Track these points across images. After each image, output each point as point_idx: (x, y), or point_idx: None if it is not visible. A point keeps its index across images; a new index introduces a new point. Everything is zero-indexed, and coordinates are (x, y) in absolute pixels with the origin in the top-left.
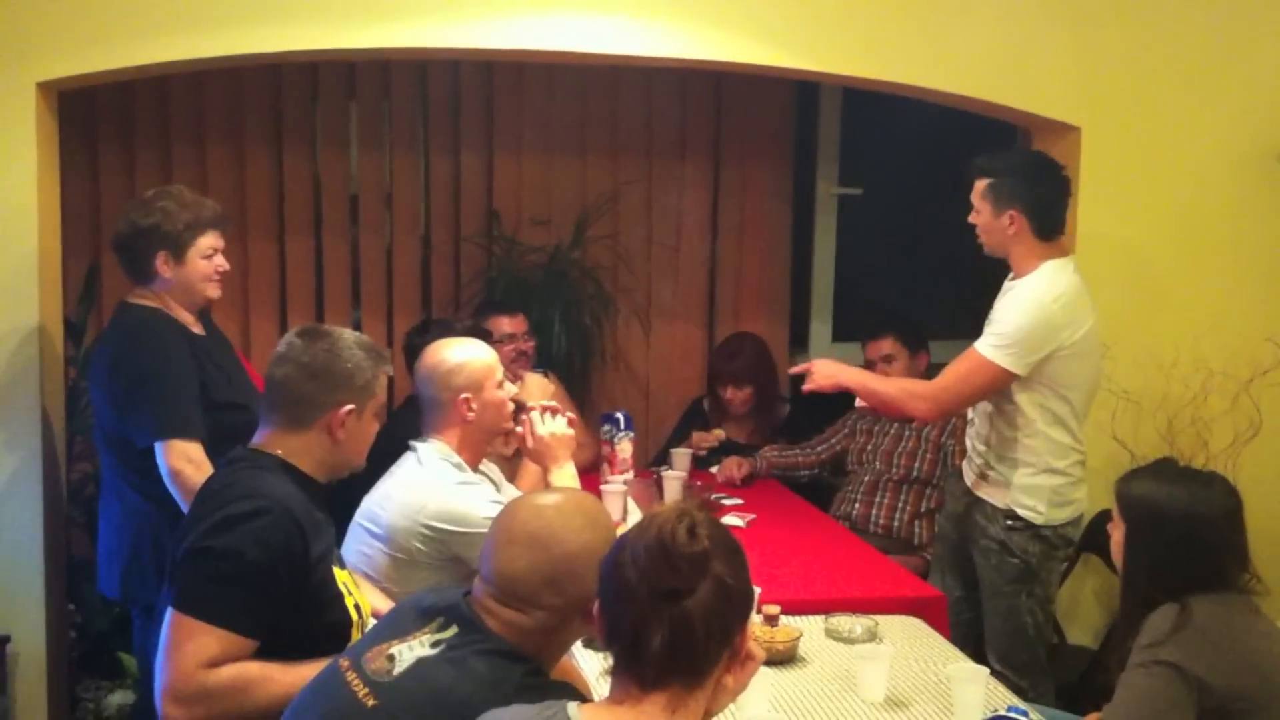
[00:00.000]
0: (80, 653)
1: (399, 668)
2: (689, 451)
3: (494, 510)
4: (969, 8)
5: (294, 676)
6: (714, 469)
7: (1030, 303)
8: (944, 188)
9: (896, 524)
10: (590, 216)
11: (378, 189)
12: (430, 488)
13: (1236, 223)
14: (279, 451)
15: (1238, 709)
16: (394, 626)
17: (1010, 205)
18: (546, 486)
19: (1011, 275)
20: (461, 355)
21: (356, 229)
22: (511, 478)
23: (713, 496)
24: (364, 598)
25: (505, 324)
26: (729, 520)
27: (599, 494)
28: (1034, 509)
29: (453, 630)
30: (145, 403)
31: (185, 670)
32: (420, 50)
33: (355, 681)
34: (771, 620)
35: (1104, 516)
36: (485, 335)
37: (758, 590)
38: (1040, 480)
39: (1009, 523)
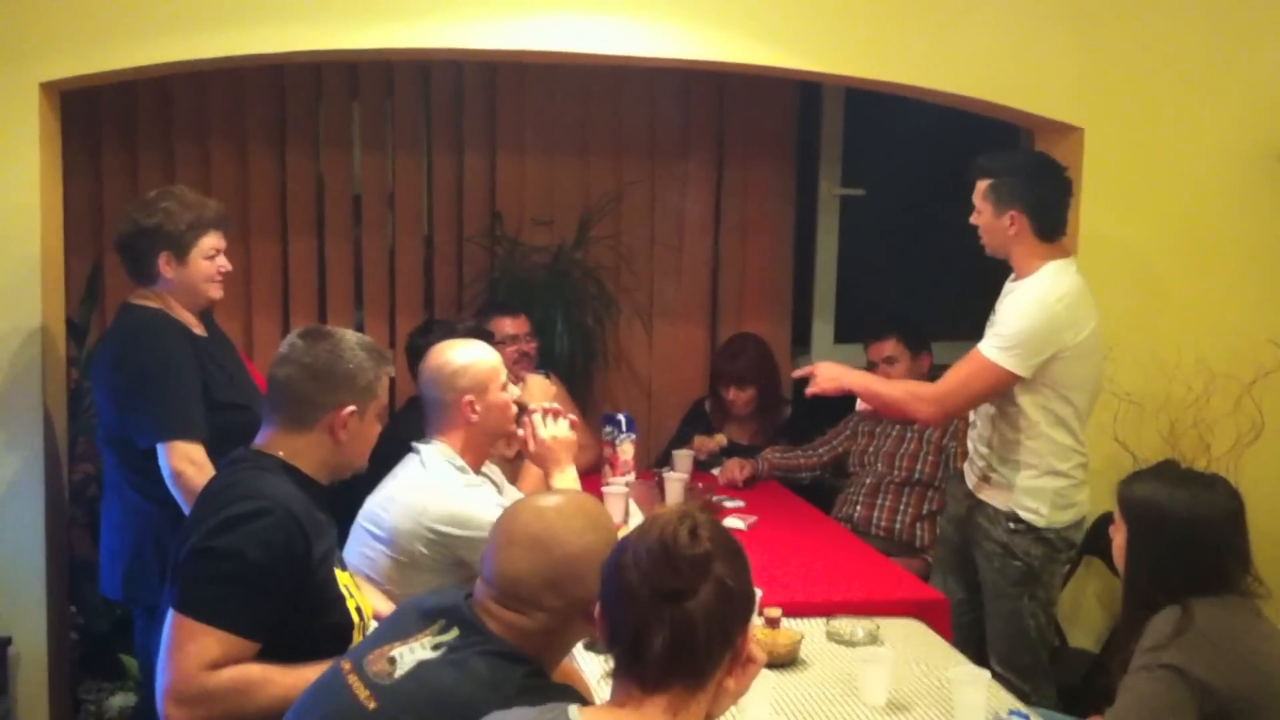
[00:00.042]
0: (82, 654)
1: (400, 670)
2: (691, 453)
3: (497, 513)
4: (971, 9)
5: (295, 678)
6: (715, 471)
7: (1033, 304)
8: (946, 189)
9: (898, 526)
10: (593, 217)
11: (380, 189)
12: (433, 491)
13: (1239, 224)
14: (281, 452)
15: (1240, 712)
16: (395, 629)
17: (1011, 206)
18: (548, 489)
19: (1013, 276)
20: (466, 357)
21: (359, 229)
22: (513, 479)
23: (714, 498)
24: (365, 600)
25: (507, 325)
26: (730, 522)
27: (600, 495)
28: (1036, 511)
29: (454, 632)
30: (147, 403)
31: (187, 672)
32: (423, 51)
33: (356, 684)
34: (773, 623)
35: (1106, 519)
36: (487, 336)
37: (759, 592)
38: (1043, 482)
39: (1011, 525)
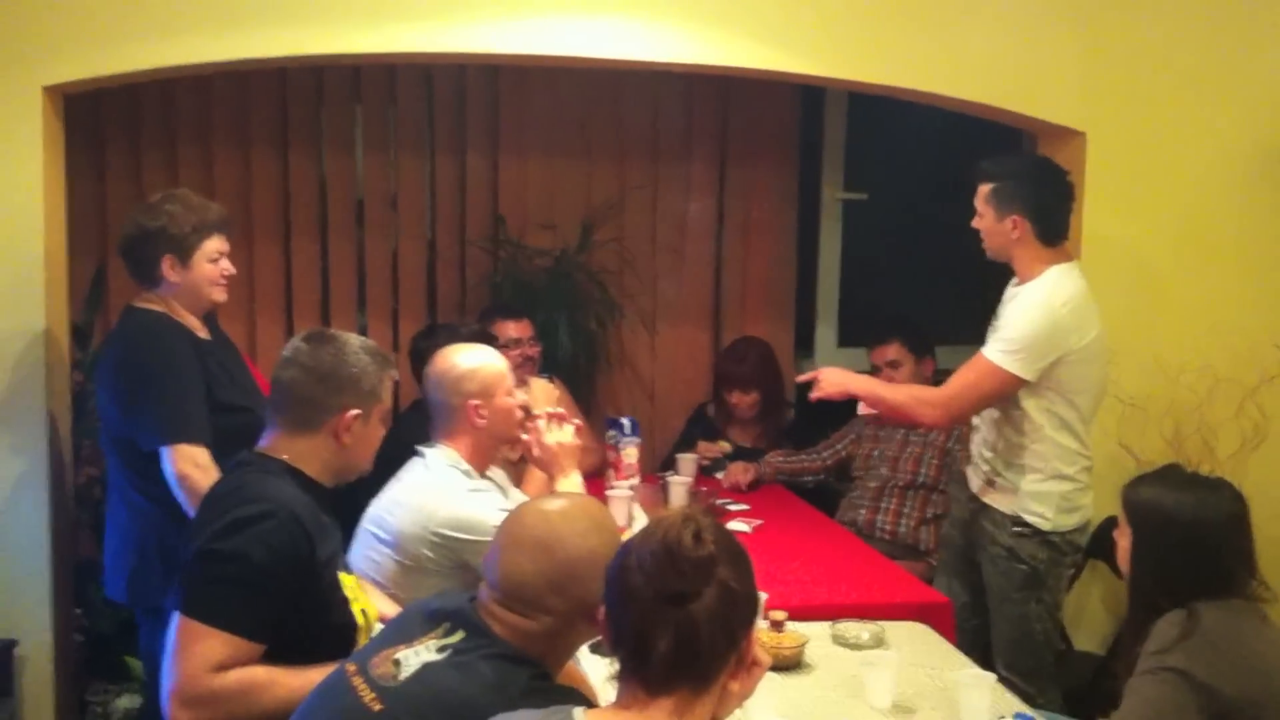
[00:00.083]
0: (87, 656)
1: (405, 672)
2: (695, 456)
3: (502, 517)
4: (974, 13)
5: (301, 681)
6: (719, 475)
7: (1038, 308)
8: (949, 193)
9: (902, 529)
10: (596, 220)
11: (383, 193)
12: (439, 495)
13: (1242, 228)
14: (285, 455)
15: (1244, 715)
16: (400, 631)
17: (1012, 210)
18: (552, 493)
19: (1015, 280)
20: (473, 361)
21: (362, 233)
22: (517, 482)
23: (718, 502)
24: (370, 602)
25: (510, 328)
26: (734, 525)
27: (604, 499)
28: (1042, 515)
29: (459, 635)
30: (151, 406)
31: (192, 674)
32: (426, 54)
33: (361, 686)
34: (777, 626)
35: (1110, 523)
36: (491, 339)
37: (763, 596)
38: (1048, 486)
39: (1017, 529)
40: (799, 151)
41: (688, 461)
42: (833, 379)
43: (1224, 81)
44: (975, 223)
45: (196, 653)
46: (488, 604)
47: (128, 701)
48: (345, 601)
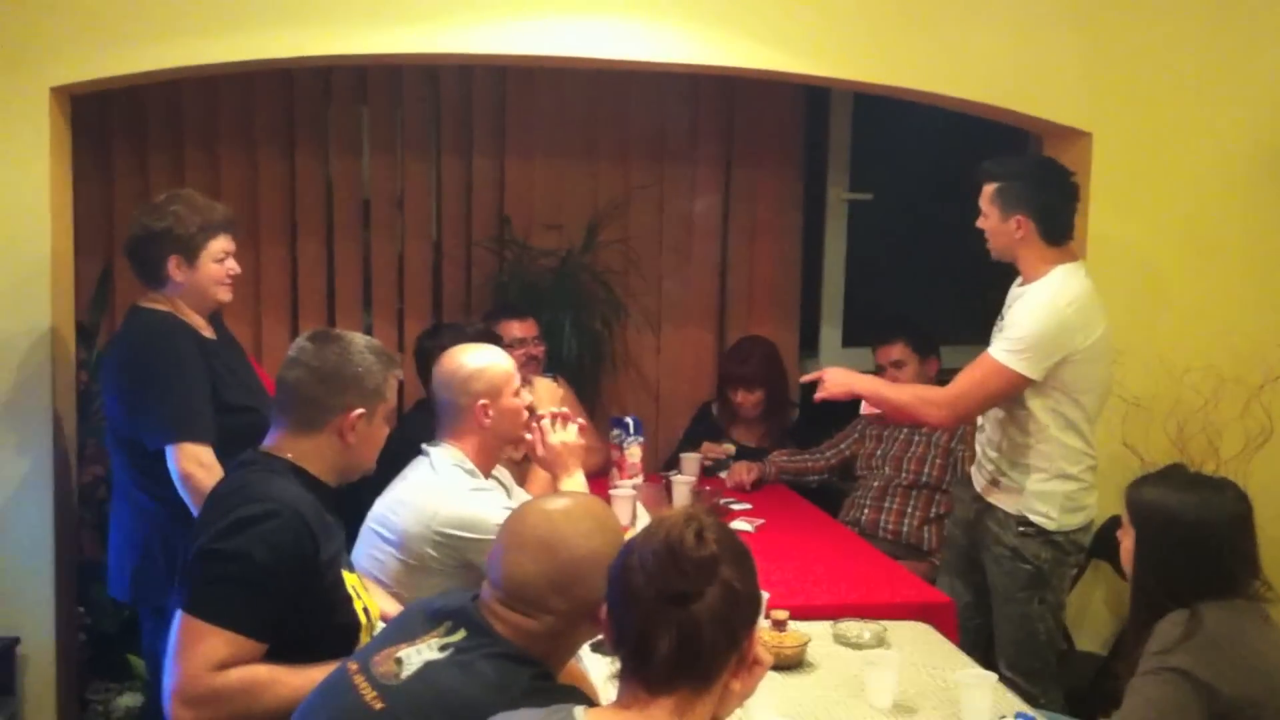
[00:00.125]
0: (89, 655)
1: (407, 671)
2: (698, 456)
3: (506, 517)
4: (979, 13)
5: (303, 679)
6: (723, 474)
7: (1044, 307)
8: (954, 193)
9: (905, 529)
10: (601, 221)
11: (389, 193)
12: (443, 494)
13: (1247, 228)
14: (289, 455)
15: (1247, 716)
16: (402, 630)
17: (1017, 210)
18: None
19: (1020, 280)
20: (480, 361)
21: (368, 233)
22: (521, 482)
23: (721, 501)
24: (373, 601)
25: (516, 328)
26: (737, 525)
27: (608, 498)
28: (1046, 515)
29: (461, 634)
30: (156, 405)
31: (194, 672)
32: (432, 55)
33: (363, 684)
34: (779, 625)
35: (1113, 523)
36: (495, 339)
37: (766, 595)
38: (1053, 486)
39: (1021, 529)
40: (804, 152)
41: (691, 461)
42: (837, 379)
43: (1229, 82)
44: (980, 223)
45: (198, 651)
46: (490, 603)
47: (129, 700)
48: (348, 600)
